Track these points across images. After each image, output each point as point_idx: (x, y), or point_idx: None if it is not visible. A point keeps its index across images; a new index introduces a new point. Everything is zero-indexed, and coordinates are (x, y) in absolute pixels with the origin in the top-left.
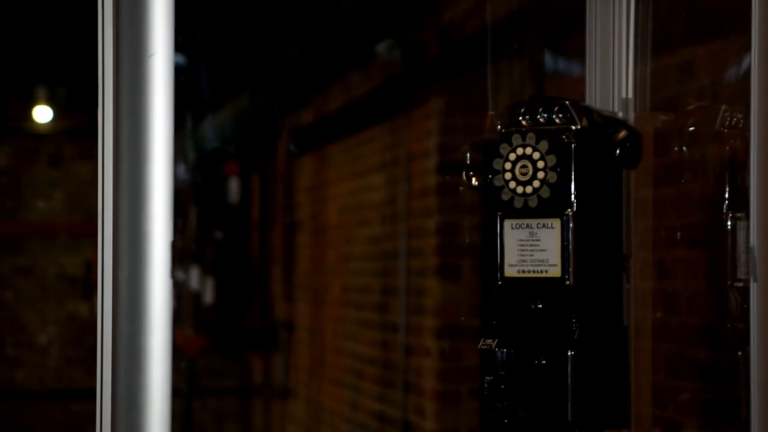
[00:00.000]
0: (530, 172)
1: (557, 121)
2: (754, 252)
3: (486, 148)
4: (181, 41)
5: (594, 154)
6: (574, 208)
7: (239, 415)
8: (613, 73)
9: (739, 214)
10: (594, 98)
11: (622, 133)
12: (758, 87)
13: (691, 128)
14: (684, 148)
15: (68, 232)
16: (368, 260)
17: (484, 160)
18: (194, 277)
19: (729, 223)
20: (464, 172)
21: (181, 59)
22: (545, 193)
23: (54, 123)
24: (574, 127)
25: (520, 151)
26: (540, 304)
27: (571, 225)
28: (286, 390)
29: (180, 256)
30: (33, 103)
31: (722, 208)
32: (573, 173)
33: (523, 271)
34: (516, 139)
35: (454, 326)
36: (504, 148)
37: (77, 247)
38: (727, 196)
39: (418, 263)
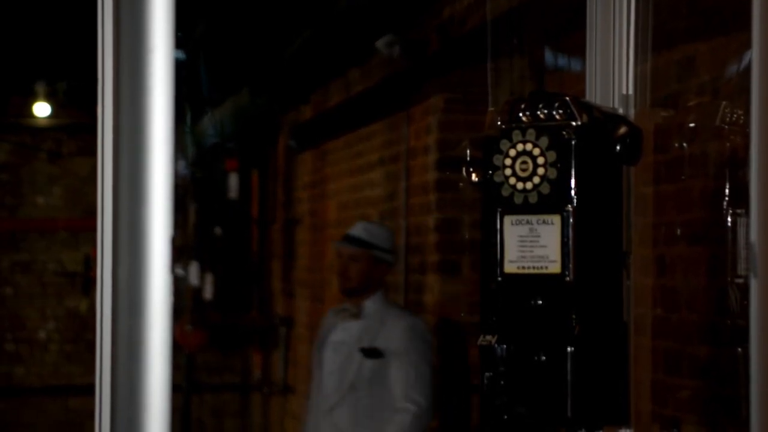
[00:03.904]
0: (530, 168)
1: (557, 117)
2: (755, 248)
3: (486, 144)
4: (181, 37)
5: (594, 150)
6: (575, 204)
7: (238, 410)
8: (613, 69)
9: (739, 211)
10: (594, 95)
11: (623, 130)
12: (759, 83)
13: (692, 125)
14: (684, 145)
15: (67, 228)
16: None
17: (484, 156)
18: (193, 273)
19: (729, 219)
20: (464, 168)
21: (181, 55)
22: (545, 189)
23: (53, 119)
24: (574, 123)
25: (520, 147)
26: (540, 300)
27: (571, 221)
28: (285, 386)
29: (179, 252)
30: (32, 99)
31: (722, 204)
32: (573, 169)
33: (523, 267)
34: (516, 135)
35: (454, 322)
36: (504, 144)
37: (76, 243)
38: (727, 192)
39: (417, 260)
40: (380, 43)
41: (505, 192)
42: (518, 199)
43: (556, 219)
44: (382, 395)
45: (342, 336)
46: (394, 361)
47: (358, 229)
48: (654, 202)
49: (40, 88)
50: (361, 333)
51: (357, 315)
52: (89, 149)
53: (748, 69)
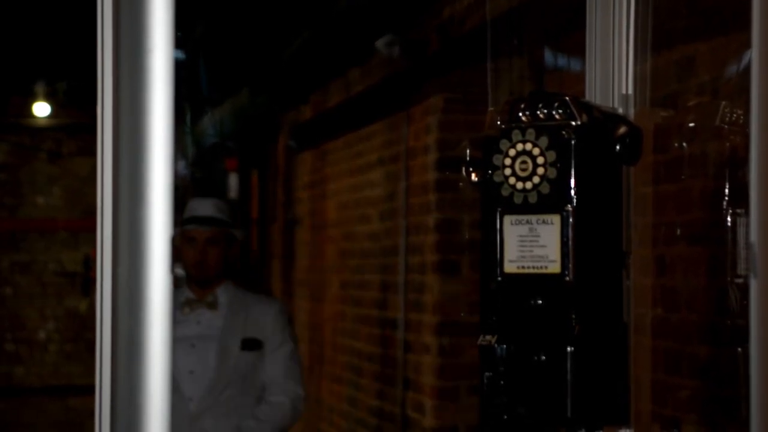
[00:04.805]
0: (530, 168)
1: (557, 117)
2: (754, 248)
3: (486, 144)
4: (181, 37)
5: (594, 150)
6: (574, 204)
7: None
8: (613, 69)
9: (739, 210)
10: (594, 94)
11: (622, 129)
12: (758, 83)
13: (691, 124)
14: (684, 145)
15: (67, 228)
16: (367, 257)
17: (483, 156)
18: None
19: (729, 219)
20: (464, 168)
21: (181, 55)
22: (545, 188)
23: (53, 119)
24: (574, 123)
25: (520, 146)
26: (540, 300)
27: (570, 221)
28: None
29: (179, 252)
30: (32, 99)
31: (722, 204)
32: (573, 169)
33: (523, 267)
34: (516, 134)
35: (454, 323)
36: (504, 144)
37: (76, 243)
38: (727, 192)
39: (417, 260)
40: (380, 43)
41: (505, 192)
42: (518, 199)
43: (556, 219)
44: (253, 389)
45: (199, 330)
46: (271, 351)
47: (207, 208)
48: (654, 202)
49: (40, 88)
50: (226, 325)
51: (213, 305)
52: (89, 149)
53: (747, 69)
